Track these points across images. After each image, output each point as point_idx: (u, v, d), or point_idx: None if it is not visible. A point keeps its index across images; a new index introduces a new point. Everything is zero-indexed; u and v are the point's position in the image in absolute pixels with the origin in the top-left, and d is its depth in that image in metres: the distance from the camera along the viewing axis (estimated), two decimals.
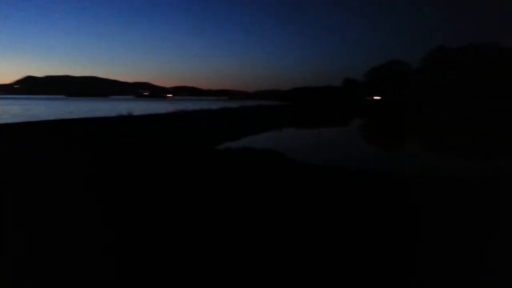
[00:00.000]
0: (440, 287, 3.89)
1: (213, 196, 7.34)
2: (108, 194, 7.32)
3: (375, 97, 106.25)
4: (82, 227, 5.39)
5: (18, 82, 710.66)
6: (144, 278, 3.89)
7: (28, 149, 13.03)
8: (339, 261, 4.41)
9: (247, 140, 22.00)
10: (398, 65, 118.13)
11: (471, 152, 19.31)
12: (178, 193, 7.47)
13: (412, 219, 6.17)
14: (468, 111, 53.19)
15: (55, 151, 12.67)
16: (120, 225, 5.54)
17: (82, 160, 11.12)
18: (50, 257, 4.33)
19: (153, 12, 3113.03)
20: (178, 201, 6.90)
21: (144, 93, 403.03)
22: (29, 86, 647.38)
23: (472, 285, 3.97)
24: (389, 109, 67.16)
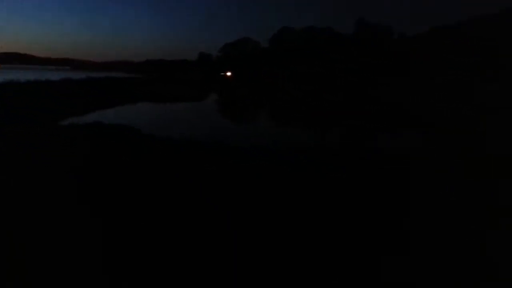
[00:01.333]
0: None
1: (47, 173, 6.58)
2: None
3: (228, 73, 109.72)
4: None
5: None
6: None
7: None
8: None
9: (97, 115, 20.20)
10: (250, 42, 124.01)
11: (307, 126, 22.08)
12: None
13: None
14: (310, 88, 60.02)
15: None
16: None
17: None
18: None
19: None
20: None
21: None
22: None
23: None
24: (242, 84, 70.63)
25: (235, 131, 18.67)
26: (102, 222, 5.00)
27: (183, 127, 18.42)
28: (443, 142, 15.38)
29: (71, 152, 8.94)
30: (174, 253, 4.42)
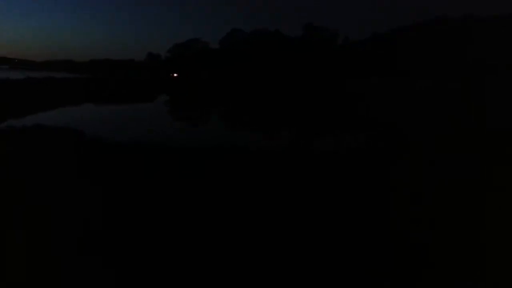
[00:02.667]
0: None
1: None
2: None
3: (175, 74, 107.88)
4: None
5: None
6: None
7: None
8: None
9: (37, 117, 19.24)
10: (199, 43, 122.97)
11: (261, 127, 22.65)
12: None
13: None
14: (257, 89, 60.88)
15: None
16: None
17: None
18: None
19: None
20: None
21: None
22: None
23: None
24: (192, 85, 69.98)
25: (179, 133, 18.69)
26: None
27: (128, 129, 18.08)
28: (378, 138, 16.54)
29: None
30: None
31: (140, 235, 5.02)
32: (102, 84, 53.72)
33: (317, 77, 75.27)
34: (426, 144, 13.94)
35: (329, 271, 4.38)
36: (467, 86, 47.77)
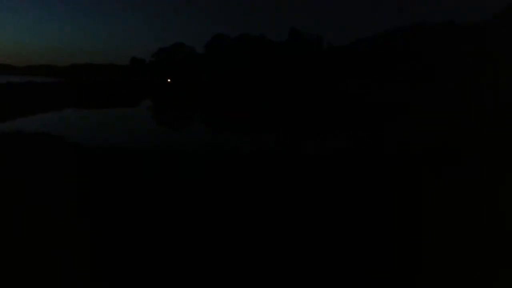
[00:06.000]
0: None
1: None
2: None
3: (168, 79, 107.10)
4: None
5: None
6: None
7: None
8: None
9: (17, 123, 18.93)
10: (184, 48, 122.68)
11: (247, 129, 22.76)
12: None
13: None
14: (242, 93, 61.02)
15: None
16: None
17: None
18: None
19: None
20: None
21: None
22: None
23: None
24: (178, 89, 69.64)
25: (162, 137, 18.66)
26: None
27: (109, 135, 17.93)
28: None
29: None
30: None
31: (120, 241, 5.04)
32: (83, 88, 53.01)
33: (303, 81, 76.02)
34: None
35: (321, 272, 4.49)
36: (447, 89, 49.05)
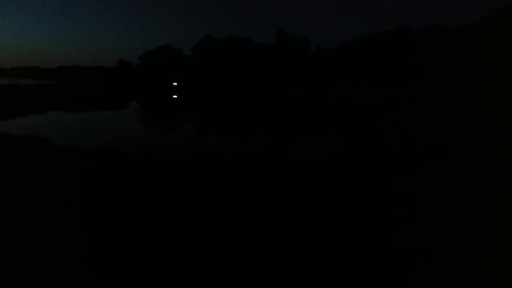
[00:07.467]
0: None
1: None
2: None
3: (175, 83, 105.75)
4: None
5: None
6: None
7: None
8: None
9: (1, 126, 18.62)
10: (171, 50, 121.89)
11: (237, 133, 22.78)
12: None
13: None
14: (229, 95, 61.10)
15: None
16: None
17: None
18: None
19: None
20: None
21: None
22: None
23: None
24: (166, 93, 69.28)
25: (149, 140, 18.55)
26: None
27: (97, 137, 17.75)
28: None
29: None
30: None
31: (106, 243, 5.06)
32: (70, 91, 52.36)
33: (291, 83, 76.38)
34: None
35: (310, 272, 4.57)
36: (431, 93, 49.97)
